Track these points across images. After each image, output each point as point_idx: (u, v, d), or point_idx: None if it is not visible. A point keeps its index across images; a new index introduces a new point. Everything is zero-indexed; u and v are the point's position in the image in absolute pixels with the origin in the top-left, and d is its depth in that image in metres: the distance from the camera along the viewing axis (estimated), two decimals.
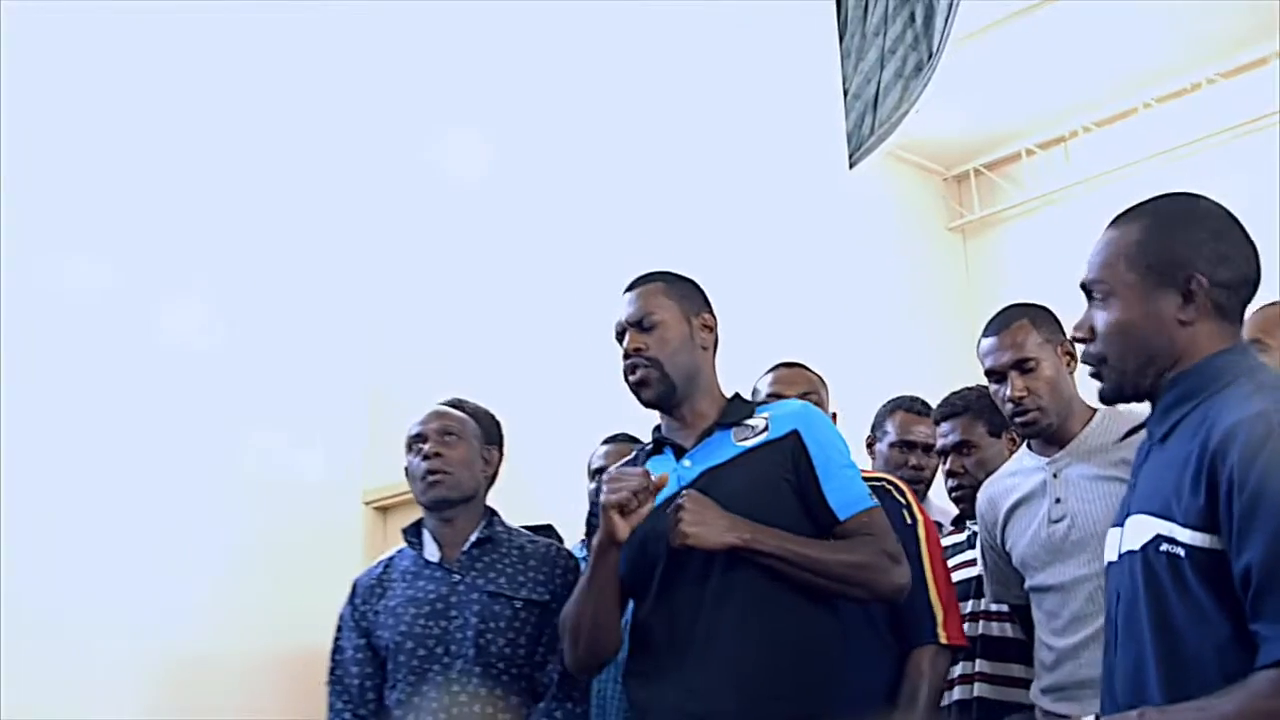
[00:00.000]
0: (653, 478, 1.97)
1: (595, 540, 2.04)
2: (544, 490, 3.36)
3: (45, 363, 4.08)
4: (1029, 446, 2.26)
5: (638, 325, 2.14)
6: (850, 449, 2.16)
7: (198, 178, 4.50)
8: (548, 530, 2.85)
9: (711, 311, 2.22)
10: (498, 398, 3.27)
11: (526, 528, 2.62)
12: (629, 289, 2.22)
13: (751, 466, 2.02)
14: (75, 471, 3.98)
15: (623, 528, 1.95)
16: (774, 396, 2.51)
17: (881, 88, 3.74)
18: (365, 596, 2.38)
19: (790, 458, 2.02)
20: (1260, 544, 1.28)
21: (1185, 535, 1.37)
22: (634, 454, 2.24)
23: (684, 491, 1.97)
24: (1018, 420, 2.20)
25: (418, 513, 3.37)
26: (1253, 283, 1.53)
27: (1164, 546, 1.40)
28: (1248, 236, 1.53)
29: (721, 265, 4.82)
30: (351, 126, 4.93)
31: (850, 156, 3.86)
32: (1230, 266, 1.49)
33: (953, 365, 5.73)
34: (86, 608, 3.88)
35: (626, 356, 2.14)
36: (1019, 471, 2.26)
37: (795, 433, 2.04)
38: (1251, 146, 5.50)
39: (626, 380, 2.15)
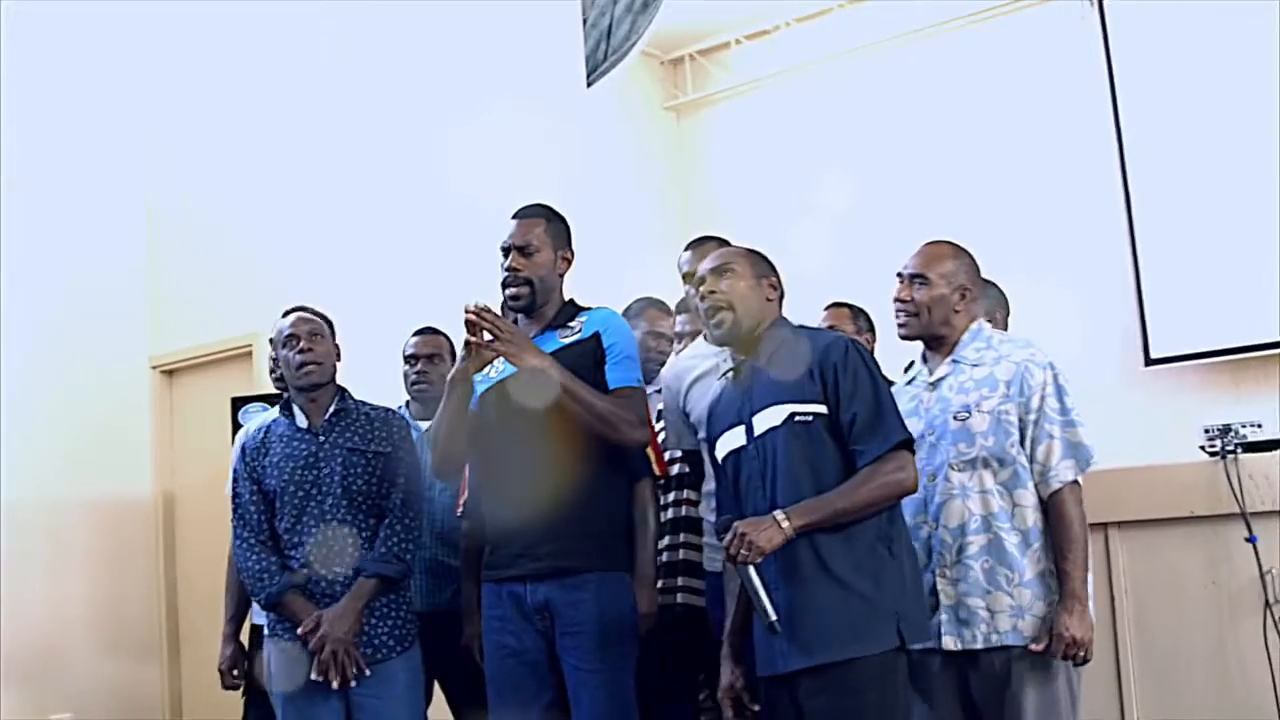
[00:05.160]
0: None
1: (451, 373, 2.76)
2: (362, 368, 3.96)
3: None
4: None
5: (521, 250, 2.79)
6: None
7: None
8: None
9: (572, 248, 2.88)
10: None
11: None
12: (516, 216, 2.84)
13: (566, 358, 2.77)
14: None
15: (472, 368, 2.69)
16: None
17: (614, 20, 4.42)
18: (253, 454, 3.05)
19: (592, 351, 2.80)
20: (858, 405, 2.40)
21: (812, 408, 2.43)
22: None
23: (508, 328, 2.67)
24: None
25: (200, 375, 4.49)
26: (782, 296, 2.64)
27: (798, 418, 2.43)
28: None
29: (478, 138, 5.50)
30: None
31: (588, 77, 4.58)
32: (778, 282, 2.63)
33: (665, 226, 6.62)
34: None
35: (509, 271, 2.79)
36: None
37: (596, 334, 2.81)
38: (928, 50, 6.11)
39: (504, 289, 2.82)
